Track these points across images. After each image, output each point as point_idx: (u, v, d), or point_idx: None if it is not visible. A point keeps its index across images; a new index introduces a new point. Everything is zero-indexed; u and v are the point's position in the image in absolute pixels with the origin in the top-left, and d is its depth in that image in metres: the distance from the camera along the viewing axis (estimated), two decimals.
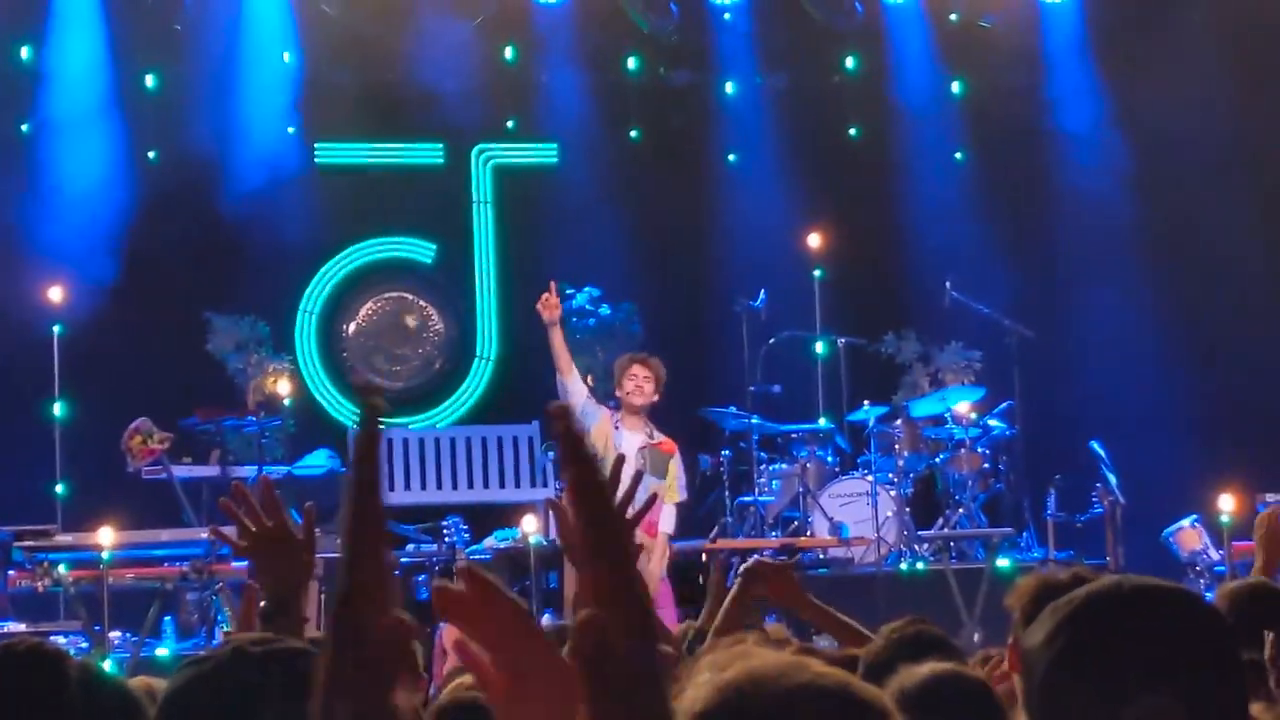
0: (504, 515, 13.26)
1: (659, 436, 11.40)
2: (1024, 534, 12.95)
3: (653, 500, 4.18)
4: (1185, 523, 12.31)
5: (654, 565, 10.37)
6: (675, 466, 11.38)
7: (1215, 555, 11.66)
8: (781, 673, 1.63)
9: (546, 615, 11.20)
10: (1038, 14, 15.22)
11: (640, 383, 11.16)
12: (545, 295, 11.37)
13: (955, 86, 15.62)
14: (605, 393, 12.88)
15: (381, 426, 1.53)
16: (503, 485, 14.19)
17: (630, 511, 3.41)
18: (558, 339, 10.90)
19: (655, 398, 11.29)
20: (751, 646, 2.02)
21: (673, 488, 11.21)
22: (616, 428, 11.28)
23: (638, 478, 3.75)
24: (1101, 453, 12.66)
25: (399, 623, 1.59)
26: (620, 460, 3.93)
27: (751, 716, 1.65)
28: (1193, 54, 14.40)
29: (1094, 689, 1.92)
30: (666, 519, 11.27)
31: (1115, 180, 14.88)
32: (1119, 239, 14.76)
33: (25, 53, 14.29)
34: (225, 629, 11.25)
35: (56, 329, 12.12)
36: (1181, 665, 1.93)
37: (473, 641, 1.54)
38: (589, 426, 11.23)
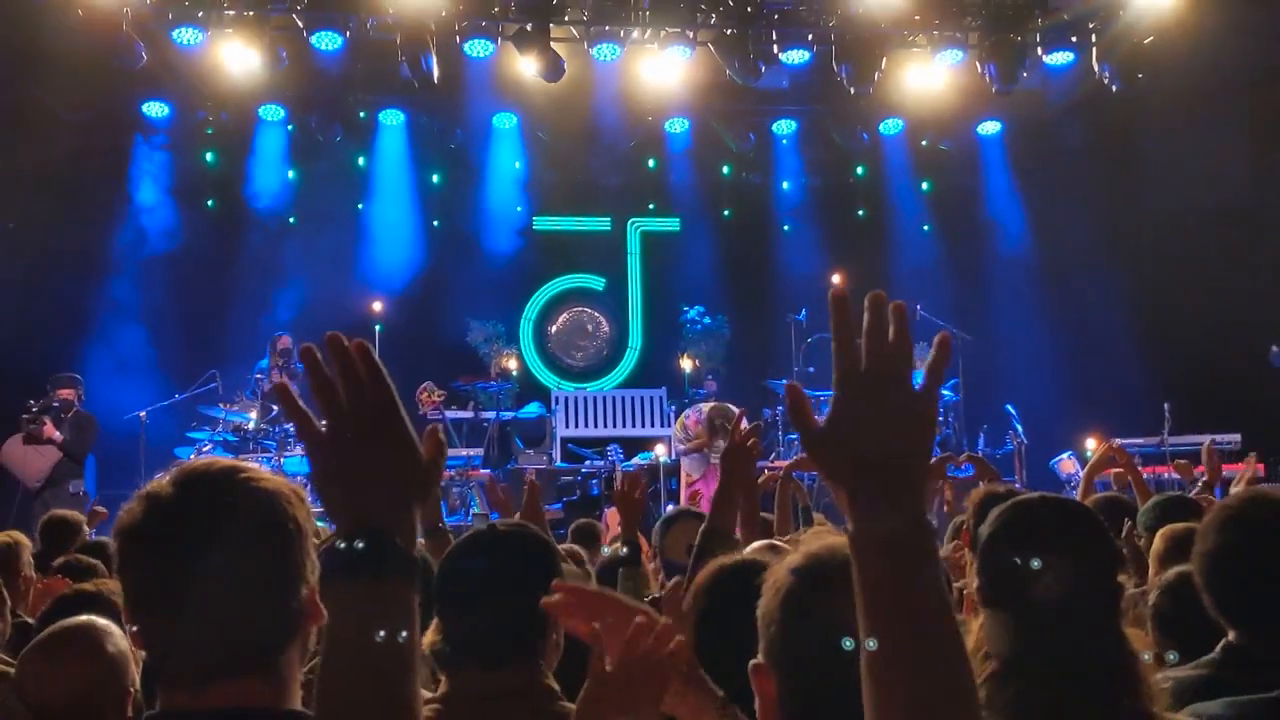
0: (644, 443, 14.63)
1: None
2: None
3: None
4: (1064, 456, 13.30)
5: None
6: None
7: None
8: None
9: (670, 506, 11.34)
10: (977, 142, 16.57)
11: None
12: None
13: (924, 185, 16.94)
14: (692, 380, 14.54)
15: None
16: (641, 425, 15.45)
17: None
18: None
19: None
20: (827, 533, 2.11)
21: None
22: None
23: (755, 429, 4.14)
24: (1012, 411, 13.94)
25: None
26: None
27: (824, 573, 1.85)
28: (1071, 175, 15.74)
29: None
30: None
31: (1024, 251, 16.31)
32: (1019, 279, 16.00)
33: (361, 161, 16.12)
34: (476, 511, 12.77)
35: (378, 328, 12.74)
36: (1075, 544, 2.24)
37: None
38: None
